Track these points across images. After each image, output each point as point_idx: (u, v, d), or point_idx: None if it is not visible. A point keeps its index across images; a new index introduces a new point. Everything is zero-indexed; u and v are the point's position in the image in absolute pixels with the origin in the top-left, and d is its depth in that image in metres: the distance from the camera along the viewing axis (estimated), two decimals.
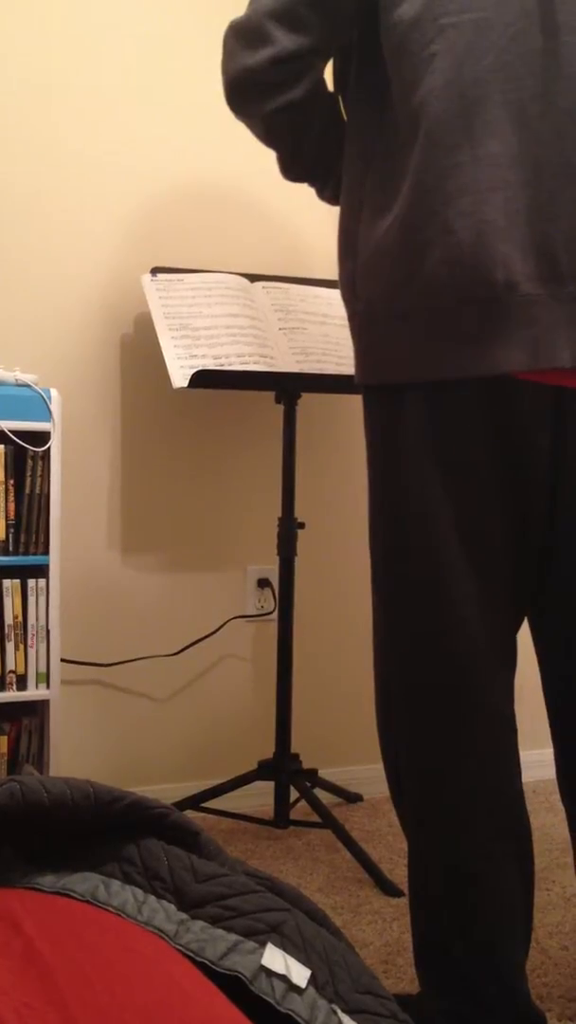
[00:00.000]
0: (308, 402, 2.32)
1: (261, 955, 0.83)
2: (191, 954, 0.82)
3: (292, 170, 1.47)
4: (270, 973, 0.82)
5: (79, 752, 2.21)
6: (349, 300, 1.33)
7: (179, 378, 1.89)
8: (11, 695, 1.85)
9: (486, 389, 1.19)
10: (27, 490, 1.85)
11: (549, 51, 1.15)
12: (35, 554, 1.86)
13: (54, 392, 1.88)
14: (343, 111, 1.41)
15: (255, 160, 2.12)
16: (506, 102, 1.15)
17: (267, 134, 1.39)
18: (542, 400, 1.20)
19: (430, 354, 1.20)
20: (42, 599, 1.87)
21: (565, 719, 1.32)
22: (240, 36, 1.30)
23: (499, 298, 1.15)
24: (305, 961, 0.84)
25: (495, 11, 1.15)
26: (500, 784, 1.29)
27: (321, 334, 2.14)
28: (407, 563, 1.28)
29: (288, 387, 2.08)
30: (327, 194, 1.53)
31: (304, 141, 1.40)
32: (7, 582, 1.85)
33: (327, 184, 1.50)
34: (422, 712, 1.30)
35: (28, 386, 1.88)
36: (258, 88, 1.31)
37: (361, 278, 1.28)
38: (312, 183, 1.52)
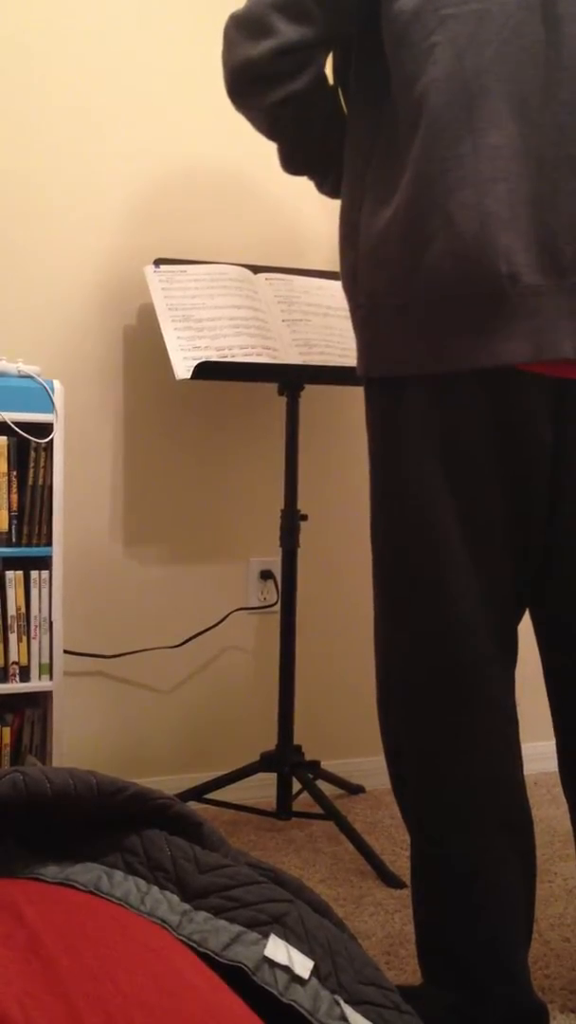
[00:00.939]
0: (311, 394, 2.31)
1: (264, 946, 0.83)
2: (194, 945, 0.82)
3: (293, 163, 1.46)
4: (273, 964, 0.82)
5: (82, 743, 2.21)
6: (351, 292, 1.32)
7: (182, 369, 1.89)
8: (14, 686, 1.86)
9: (488, 382, 1.19)
10: (30, 482, 1.85)
11: (550, 43, 1.15)
12: (38, 545, 1.86)
13: (57, 384, 1.88)
14: (343, 104, 1.41)
15: (259, 150, 2.12)
16: (507, 93, 1.15)
17: (269, 126, 1.39)
18: (544, 394, 1.19)
19: (432, 346, 1.20)
20: (45, 591, 1.87)
21: (567, 712, 1.32)
22: (242, 27, 1.29)
23: (502, 289, 1.15)
24: (308, 952, 0.84)
25: (496, 2, 1.15)
26: (501, 777, 1.29)
27: (324, 326, 2.14)
28: (408, 557, 1.28)
29: (291, 379, 2.07)
30: (327, 188, 1.52)
31: (305, 133, 1.39)
32: (10, 573, 1.85)
33: (327, 177, 1.49)
34: (423, 706, 1.30)
35: (31, 378, 1.88)
36: (260, 79, 1.30)
37: (363, 270, 1.28)
38: (312, 176, 1.51)
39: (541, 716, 1.36)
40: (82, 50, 2.15)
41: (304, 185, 1.59)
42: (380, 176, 1.26)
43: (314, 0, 1.25)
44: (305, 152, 1.43)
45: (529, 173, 1.15)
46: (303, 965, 0.83)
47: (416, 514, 1.26)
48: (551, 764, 1.36)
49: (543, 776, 2.30)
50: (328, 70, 1.38)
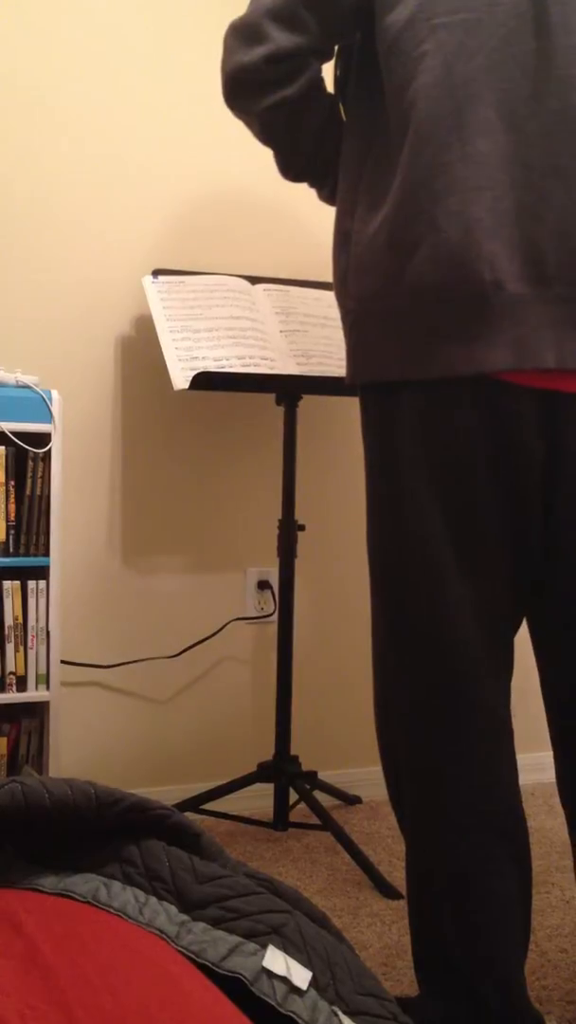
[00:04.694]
0: (309, 404, 2.32)
1: (262, 957, 0.83)
2: (192, 955, 0.82)
3: (290, 168, 1.47)
4: (271, 975, 0.82)
5: (79, 753, 2.21)
6: (341, 297, 1.33)
7: (180, 380, 1.90)
8: (11, 696, 1.85)
9: (477, 390, 1.19)
10: (28, 491, 1.85)
11: (541, 51, 1.15)
12: (35, 555, 1.87)
13: (55, 394, 1.88)
14: (343, 113, 1.42)
15: (257, 162, 2.13)
16: (496, 102, 1.16)
17: (262, 131, 1.41)
18: (532, 404, 1.19)
19: (417, 352, 1.21)
20: (42, 600, 1.87)
21: (565, 722, 1.32)
22: (238, 34, 1.33)
23: (486, 297, 1.16)
24: (306, 963, 0.84)
25: (487, 12, 1.16)
26: (497, 787, 1.29)
27: (322, 336, 2.15)
28: (404, 566, 1.28)
29: (289, 389, 2.08)
30: (325, 194, 1.53)
31: (300, 139, 1.40)
32: (7, 583, 1.85)
33: (325, 184, 1.50)
34: (419, 717, 1.30)
35: (29, 388, 1.88)
36: (253, 85, 1.33)
37: (352, 276, 1.29)
38: (311, 182, 1.52)
39: (537, 726, 1.36)
40: (87, 65, 2.16)
41: (304, 199, 1.60)
42: (372, 183, 1.27)
43: (309, 10, 1.28)
44: (301, 157, 1.44)
45: (516, 181, 1.16)
46: (301, 976, 0.83)
47: (410, 523, 1.26)
48: (548, 774, 1.36)
49: (540, 786, 2.30)
50: (329, 79, 1.39)
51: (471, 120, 1.16)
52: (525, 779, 1.34)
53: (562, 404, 1.19)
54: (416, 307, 1.20)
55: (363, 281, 1.26)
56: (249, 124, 1.41)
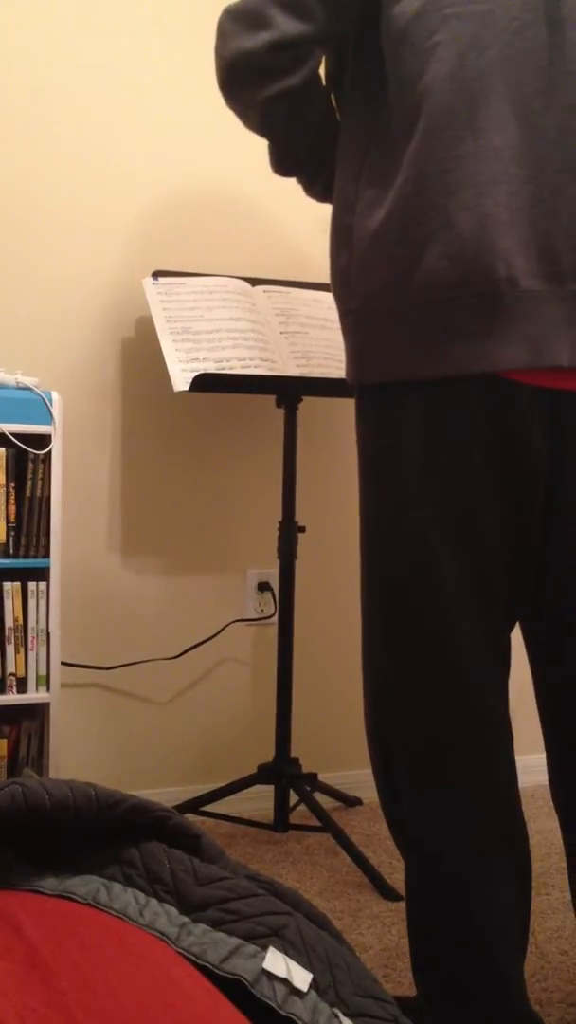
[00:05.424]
0: (309, 406, 2.32)
1: (263, 959, 0.83)
2: (192, 957, 0.82)
3: (284, 162, 1.43)
4: (272, 977, 0.81)
5: (79, 755, 2.21)
6: (342, 296, 1.29)
7: (180, 381, 1.90)
8: (11, 698, 1.85)
9: (484, 391, 1.18)
10: (28, 493, 1.85)
11: (554, 45, 1.14)
12: (36, 557, 1.87)
13: (55, 395, 1.88)
14: (336, 108, 1.40)
15: (256, 164, 2.12)
16: (509, 96, 1.14)
17: (261, 123, 1.35)
18: (540, 405, 1.18)
19: (427, 350, 1.18)
20: (42, 602, 1.87)
21: (558, 726, 1.32)
22: (238, 19, 1.26)
23: (499, 293, 1.14)
24: (306, 964, 0.84)
25: (500, 3, 1.14)
26: (497, 789, 1.28)
27: (322, 338, 2.15)
28: (402, 568, 1.26)
29: (289, 391, 2.08)
30: (316, 190, 1.49)
31: (299, 132, 1.36)
32: (7, 585, 1.85)
33: (318, 179, 1.46)
34: (415, 718, 1.29)
35: (29, 389, 1.88)
36: (255, 73, 1.27)
37: (356, 272, 1.25)
38: (302, 177, 1.48)
39: (537, 728, 1.36)
40: (86, 73, 2.16)
41: (304, 200, 1.59)
42: (375, 177, 1.24)
43: None
44: (298, 151, 1.40)
45: (530, 176, 1.14)
46: (302, 978, 0.82)
47: (409, 525, 1.24)
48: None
49: (540, 789, 2.29)
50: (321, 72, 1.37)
51: (484, 114, 1.14)
52: (525, 781, 1.34)
53: (568, 404, 1.19)
54: (426, 304, 1.17)
55: (369, 277, 1.23)
56: (244, 114, 1.35)
